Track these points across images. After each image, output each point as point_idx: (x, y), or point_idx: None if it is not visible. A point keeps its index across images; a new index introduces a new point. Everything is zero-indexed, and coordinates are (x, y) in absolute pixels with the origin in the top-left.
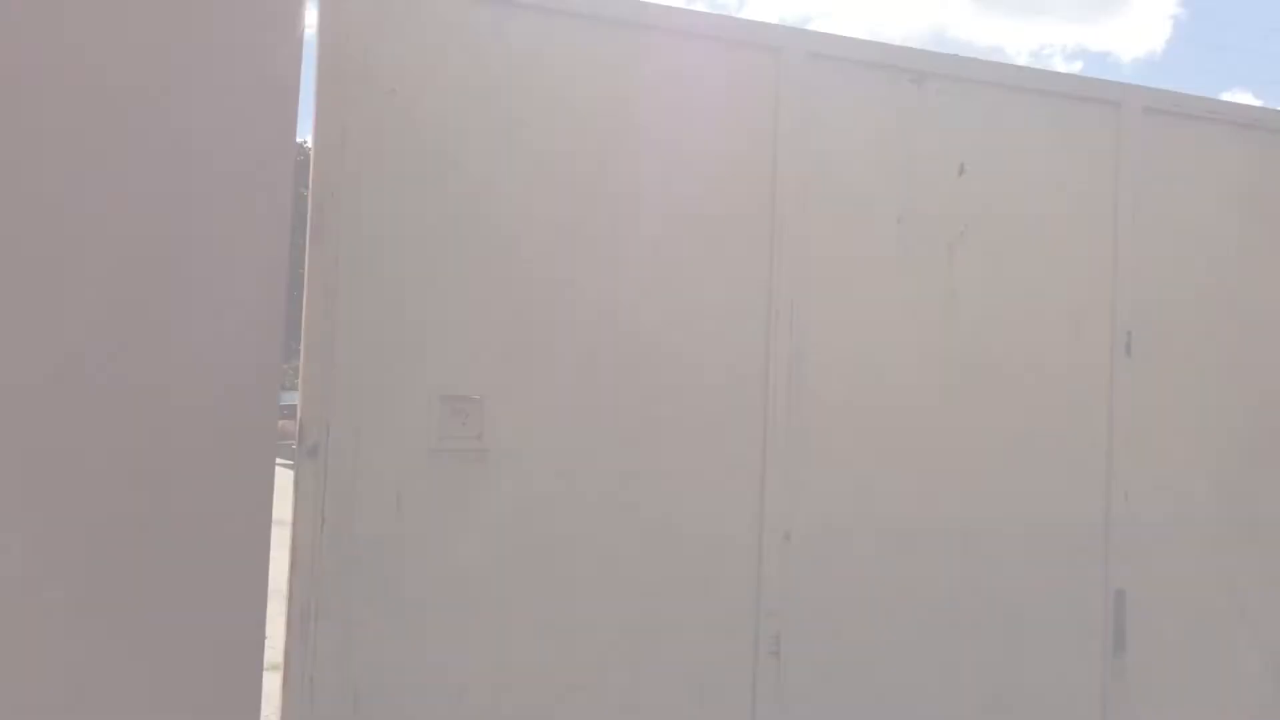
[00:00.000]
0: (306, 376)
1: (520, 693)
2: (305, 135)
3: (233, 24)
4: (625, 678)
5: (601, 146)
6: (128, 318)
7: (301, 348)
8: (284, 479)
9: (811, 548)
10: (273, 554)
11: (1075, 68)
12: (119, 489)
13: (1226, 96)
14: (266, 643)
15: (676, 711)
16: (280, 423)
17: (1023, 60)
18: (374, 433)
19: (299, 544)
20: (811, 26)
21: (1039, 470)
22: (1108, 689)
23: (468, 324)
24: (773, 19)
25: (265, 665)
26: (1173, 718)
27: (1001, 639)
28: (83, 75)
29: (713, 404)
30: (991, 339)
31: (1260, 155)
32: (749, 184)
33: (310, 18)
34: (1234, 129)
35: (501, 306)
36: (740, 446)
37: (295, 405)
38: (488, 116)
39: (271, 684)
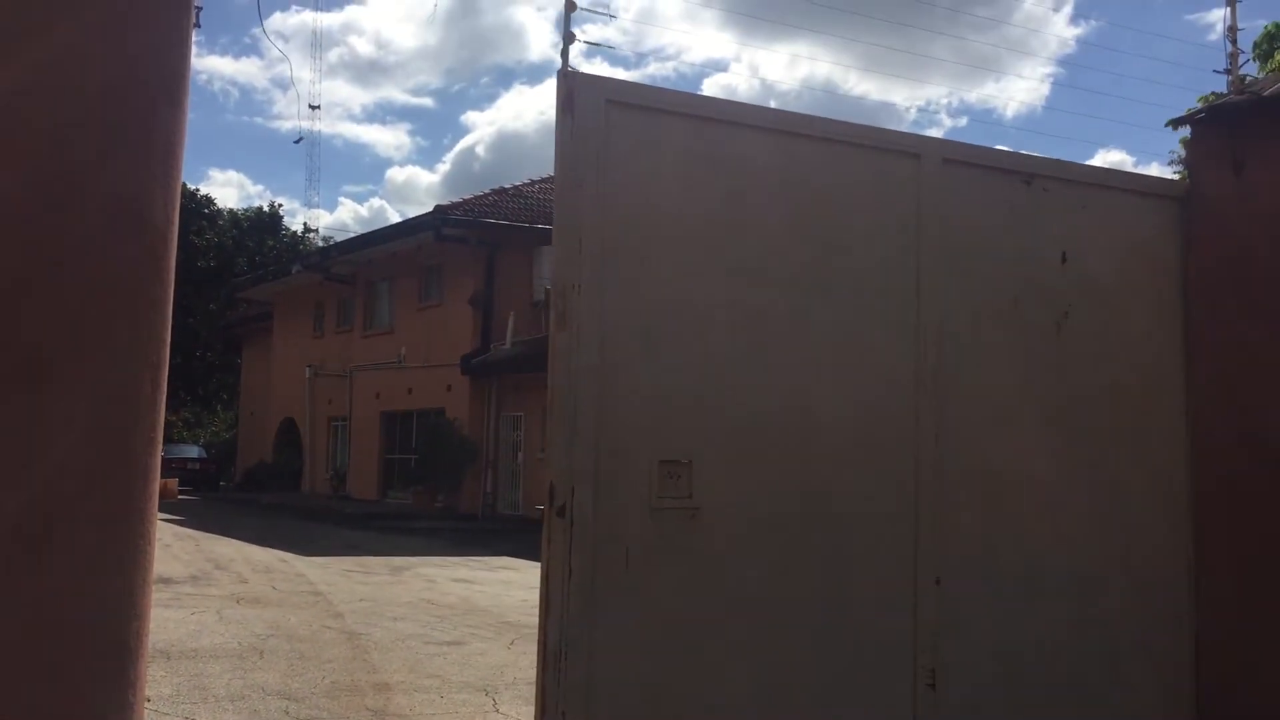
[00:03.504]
0: (553, 444)
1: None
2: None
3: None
4: (809, 704)
5: (780, 241)
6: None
7: (549, 419)
8: (166, 533)
9: (958, 591)
10: (160, 613)
11: (961, 123)
12: None
13: (1101, 154)
14: (148, 706)
15: None
16: (162, 481)
17: (912, 115)
18: (607, 494)
19: (551, 592)
20: (710, 80)
21: (1134, 524)
22: None
23: (680, 398)
24: (670, 75)
25: None
26: None
27: (1102, 676)
28: None
29: (873, 468)
30: (1091, 404)
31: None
32: (898, 271)
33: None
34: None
35: (705, 383)
36: (895, 504)
37: (186, 458)
38: (691, 220)
39: None
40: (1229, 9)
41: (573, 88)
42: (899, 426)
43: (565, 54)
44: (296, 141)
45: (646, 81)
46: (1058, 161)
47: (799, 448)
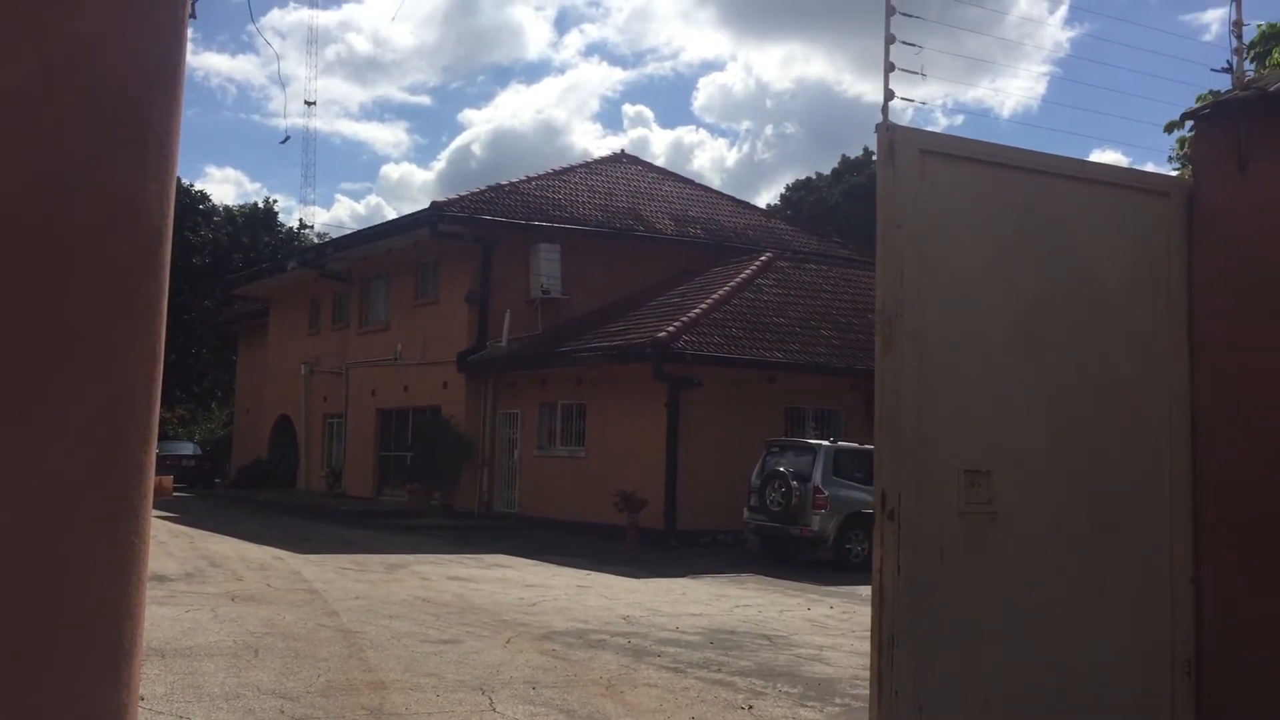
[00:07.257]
0: (881, 453)
1: (1020, 702)
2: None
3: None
4: (1084, 688)
5: (1055, 276)
6: None
7: (876, 432)
8: (161, 530)
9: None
10: (154, 611)
11: (957, 122)
12: None
13: (1097, 153)
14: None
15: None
16: (157, 479)
17: (909, 115)
18: (927, 499)
19: (885, 586)
20: (705, 80)
21: None
22: None
23: (980, 415)
24: (667, 74)
25: None
26: None
27: None
28: None
29: (1136, 480)
30: None
31: None
32: (1151, 304)
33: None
34: None
35: (999, 402)
36: (1155, 512)
37: (182, 455)
38: (985, 256)
39: None
40: (1233, 3)
41: (894, 140)
42: (1155, 444)
43: (885, 109)
44: (283, 141)
45: (642, 82)
46: None
47: (1075, 461)
